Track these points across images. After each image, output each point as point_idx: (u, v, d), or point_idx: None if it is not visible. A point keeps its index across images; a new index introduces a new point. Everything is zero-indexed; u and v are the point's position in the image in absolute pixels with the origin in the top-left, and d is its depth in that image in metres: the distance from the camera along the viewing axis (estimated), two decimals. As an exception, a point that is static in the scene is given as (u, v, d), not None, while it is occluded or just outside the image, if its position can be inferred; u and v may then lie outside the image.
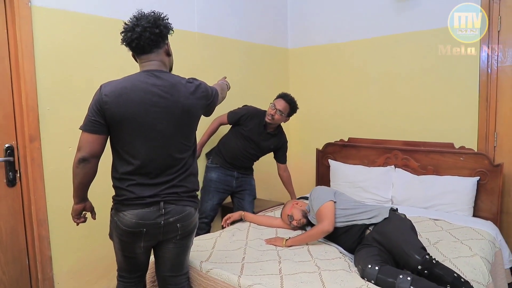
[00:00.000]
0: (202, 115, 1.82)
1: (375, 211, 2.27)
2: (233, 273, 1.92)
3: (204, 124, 2.92)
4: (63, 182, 2.22)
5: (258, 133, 2.99)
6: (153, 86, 1.62)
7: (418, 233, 2.25)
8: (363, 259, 1.97)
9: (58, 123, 2.34)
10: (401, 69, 3.31)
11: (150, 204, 1.64)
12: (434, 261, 1.85)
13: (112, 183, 1.71)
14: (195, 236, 2.04)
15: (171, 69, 1.80)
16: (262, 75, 3.79)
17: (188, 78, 1.74)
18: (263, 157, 3.18)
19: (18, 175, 2.28)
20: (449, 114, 3.08)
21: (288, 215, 2.59)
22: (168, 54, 1.75)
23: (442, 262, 1.92)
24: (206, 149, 3.26)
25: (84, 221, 1.81)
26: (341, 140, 3.67)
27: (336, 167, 3.55)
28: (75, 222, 1.78)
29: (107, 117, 1.59)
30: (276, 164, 3.23)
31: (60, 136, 2.34)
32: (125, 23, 1.66)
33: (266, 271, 1.96)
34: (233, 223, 2.77)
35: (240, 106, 3.18)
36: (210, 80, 3.14)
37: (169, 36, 1.73)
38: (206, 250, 2.25)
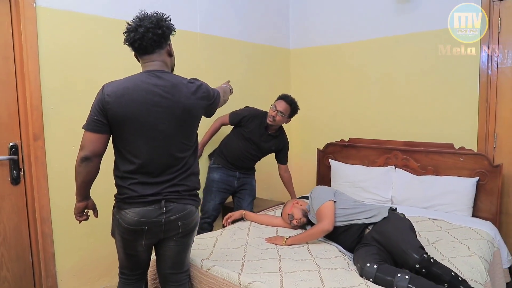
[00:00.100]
0: (203, 116, 1.84)
1: (374, 210, 2.29)
2: (233, 271, 1.94)
3: (205, 124, 2.95)
4: (67, 180, 2.24)
5: (259, 135, 3.01)
6: (155, 86, 1.64)
7: (417, 233, 2.27)
8: (362, 257, 1.99)
9: (62, 122, 2.37)
10: (402, 70, 3.33)
11: (152, 203, 1.67)
12: (432, 260, 1.87)
13: (114, 182, 1.74)
14: (197, 235, 2.06)
15: (173, 69, 1.82)
16: (263, 76, 3.81)
17: (190, 79, 1.77)
18: (264, 157, 3.21)
19: (22, 173, 2.32)
20: (449, 115, 3.10)
21: (288, 214, 2.62)
22: (170, 54, 1.77)
23: (440, 261, 1.94)
24: (208, 149, 3.28)
25: (87, 219, 1.83)
26: (342, 140, 3.69)
27: (337, 167, 3.57)
28: (77, 220, 1.81)
29: (109, 117, 1.61)
30: (277, 165, 3.25)
31: (63, 135, 2.38)
32: (128, 23, 1.69)
33: (266, 269, 1.98)
34: (234, 222, 2.79)
35: (242, 107, 3.21)
36: (212, 80, 3.17)
37: (171, 36, 1.76)
38: (207, 248, 2.27)
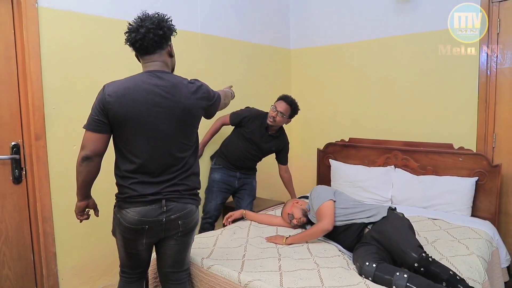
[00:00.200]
0: (203, 117, 1.85)
1: (373, 210, 2.31)
2: (233, 269, 1.96)
3: (206, 124, 2.97)
4: (68, 179, 2.26)
5: (260, 135, 3.03)
6: (155, 87, 1.65)
7: (416, 232, 2.28)
8: (361, 256, 2.00)
9: (63, 122, 2.39)
10: (402, 70, 3.34)
11: (152, 202, 1.68)
12: (430, 259, 1.88)
13: (115, 181, 1.75)
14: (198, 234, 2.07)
15: (173, 70, 1.83)
16: (264, 76, 3.83)
17: (190, 79, 1.78)
18: (264, 157, 3.22)
19: (24, 172, 2.33)
20: (449, 115, 3.12)
21: (288, 213, 2.63)
22: (171, 55, 1.78)
23: (439, 261, 1.95)
24: (210, 151, 3.30)
25: (87, 218, 1.85)
26: (342, 140, 3.70)
27: (337, 166, 3.58)
28: (78, 219, 1.82)
29: (110, 117, 1.63)
30: (277, 164, 3.27)
31: (65, 135, 2.39)
32: (129, 23, 1.70)
33: (266, 268, 2.00)
34: (234, 221, 2.81)
35: (243, 107, 3.22)
36: (213, 80, 3.19)
37: (172, 37, 1.77)
38: (207, 247, 2.29)
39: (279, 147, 3.15)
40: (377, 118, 3.53)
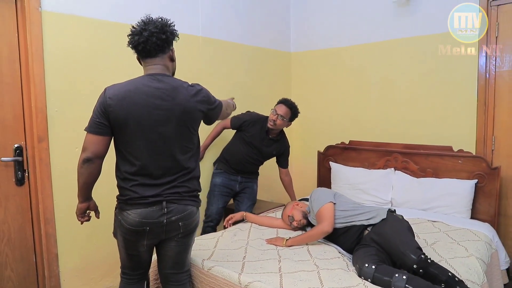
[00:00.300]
0: (203, 121, 1.87)
1: (373, 212, 2.32)
2: (234, 271, 1.97)
3: (207, 128, 2.98)
4: (70, 181, 2.27)
5: (261, 139, 3.05)
6: (156, 90, 1.67)
7: (416, 234, 2.30)
8: (361, 258, 2.01)
9: (66, 124, 2.41)
10: (401, 73, 3.36)
11: (153, 204, 1.69)
12: (429, 261, 1.89)
13: (116, 183, 1.77)
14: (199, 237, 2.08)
15: (173, 74, 1.85)
16: (264, 78, 3.85)
17: (191, 83, 1.80)
18: (265, 161, 3.24)
19: (27, 174, 2.35)
20: (448, 118, 3.13)
21: (288, 216, 2.65)
22: (172, 59, 1.81)
23: (438, 262, 1.96)
24: (213, 156, 3.32)
25: (88, 220, 1.86)
26: (342, 143, 3.72)
27: (337, 169, 3.60)
28: (79, 220, 1.84)
29: (111, 119, 1.65)
30: (277, 167, 3.28)
31: (67, 137, 2.41)
32: (133, 26, 1.72)
33: (266, 270, 2.01)
34: (235, 223, 2.83)
35: (244, 110, 3.24)
36: (214, 83, 3.23)
37: (174, 42, 1.79)
38: (208, 249, 2.30)
39: (280, 150, 3.17)
40: (377, 121, 3.55)
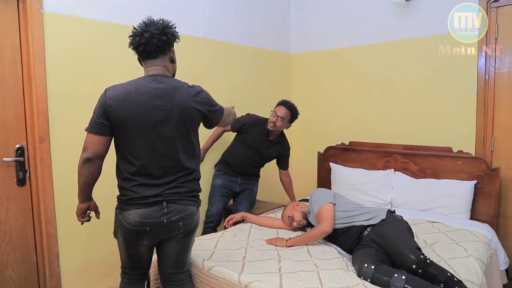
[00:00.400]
0: (203, 125, 1.88)
1: (372, 212, 2.33)
2: (234, 271, 1.98)
3: (208, 131, 2.99)
4: (71, 182, 2.28)
5: (261, 141, 3.06)
6: (156, 90, 1.69)
7: (415, 235, 2.31)
8: (360, 258, 2.02)
9: (67, 125, 2.42)
10: (401, 74, 3.37)
11: (153, 204, 1.70)
12: (428, 261, 1.90)
13: (117, 183, 1.78)
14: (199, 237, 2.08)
15: (174, 75, 1.86)
16: (265, 80, 3.86)
17: (191, 84, 1.81)
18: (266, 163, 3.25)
19: (28, 174, 2.37)
20: (448, 119, 3.14)
21: (288, 216, 2.66)
22: (173, 61, 1.82)
23: (437, 263, 1.97)
24: (213, 159, 3.33)
25: (88, 220, 1.87)
26: (342, 144, 3.73)
27: (337, 170, 3.61)
28: (79, 220, 1.85)
29: (111, 119, 1.66)
30: (277, 168, 3.29)
31: (68, 138, 2.43)
32: (134, 27, 1.73)
33: (266, 270, 2.02)
34: (235, 223, 2.84)
35: (244, 111, 3.26)
36: (215, 84, 3.24)
37: (175, 44, 1.80)
38: (208, 249, 2.31)
39: (280, 152, 3.18)
40: (377, 122, 3.56)
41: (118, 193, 1.78)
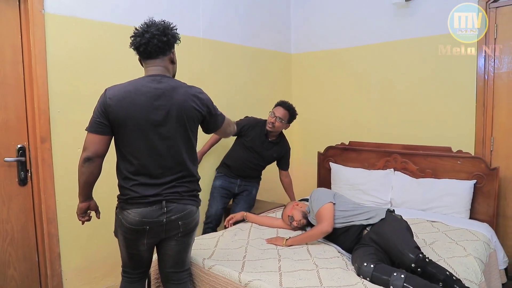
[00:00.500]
0: (201, 128, 1.88)
1: (372, 212, 2.34)
2: (234, 269, 2.00)
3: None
4: (72, 181, 2.27)
5: (260, 142, 3.07)
6: (155, 90, 1.70)
7: (414, 234, 2.32)
8: (360, 257, 2.04)
9: (68, 125, 2.44)
10: (401, 74, 3.38)
11: (153, 203, 1.72)
12: (427, 260, 1.92)
13: (117, 182, 1.79)
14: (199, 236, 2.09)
15: (174, 76, 1.88)
16: (265, 80, 3.88)
17: (192, 85, 1.82)
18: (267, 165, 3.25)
19: (30, 174, 2.38)
20: (447, 119, 3.15)
21: (288, 216, 2.67)
22: (173, 62, 1.83)
23: (436, 262, 1.98)
24: (214, 163, 3.34)
25: (89, 220, 1.89)
26: (342, 144, 3.74)
27: (337, 169, 3.62)
28: (80, 220, 1.87)
29: (111, 119, 1.68)
30: (277, 167, 3.31)
31: (69, 138, 2.44)
32: (136, 28, 1.76)
33: (266, 268, 2.03)
34: (235, 223, 2.85)
35: (244, 111, 3.27)
36: (215, 84, 3.25)
37: (175, 45, 1.82)
38: (208, 249, 2.33)
39: (281, 153, 3.19)
40: (377, 121, 3.57)
41: (118, 193, 1.79)
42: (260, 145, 3.07)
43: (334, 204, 2.44)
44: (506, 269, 2.71)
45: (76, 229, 2.43)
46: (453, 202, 2.93)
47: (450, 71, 3.10)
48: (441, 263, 2.03)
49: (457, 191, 2.93)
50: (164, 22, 1.76)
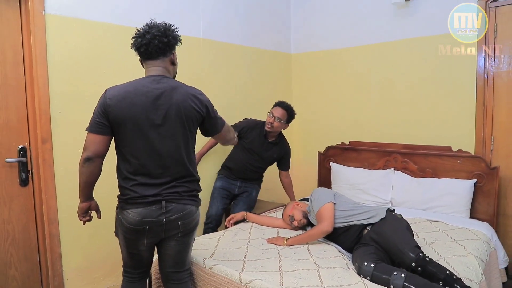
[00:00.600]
0: (200, 131, 1.89)
1: (372, 211, 2.35)
2: (235, 269, 2.00)
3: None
4: (73, 182, 2.28)
5: (260, 143, 3.08)
6: (155, 90, 1.71)
7: (415, 233, 2.32)
8: (360, 257, 2.04)
9: (69, 126, 2.44)
10: (401, 74, 3.39)
11: (153, 203, 1.72)
12: (427, 259, 1.92)
13: (117, 182, 1.80)
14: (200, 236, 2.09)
15: (174, 77, 1.88)
16: (265, 80, 3.88)
17: (192, 87, 1.83)
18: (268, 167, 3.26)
19: (31, 175, 2.38)
20: (447, 119, 3.16)
21: (289, 215, 2.67)
22: (173, 63, 1.84)
23: (436, 261, 1.99)
24: (215, 166, 3.35)
25: (90, 220, 1.90)
26: (342, 143, 3.75)
27: (337, 169, 3.62)
28: (80, 220, 1.87)
29: (111, 119, 1.69)
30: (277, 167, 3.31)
31: (70, 138, 2.44)
32: (137, 29, 1.77)
33: (267, 268, 2.04)
34: (236, 223, 2.85)
35: (243, 111, 3.27)
36: (215, 84, 3.26)
37: (176, 47, 1.83)
38: (209, 248, 2.33)
39: (281, 153, 3.19)
40: (377, 121, 3.57)
41: (119, 193, 1.80)
42: (260, 146, 3.07)
43: (334, 203, 2.45)
44: (506, 268, 2.72)
45: (77, 229, 2.44)
46: (453, 201, 2.93)
47: (450, 71, 3.11)
48: (441, 262, 2.03)
49: (457, 191, 2.93)
50: (166, 24, 1.77)
